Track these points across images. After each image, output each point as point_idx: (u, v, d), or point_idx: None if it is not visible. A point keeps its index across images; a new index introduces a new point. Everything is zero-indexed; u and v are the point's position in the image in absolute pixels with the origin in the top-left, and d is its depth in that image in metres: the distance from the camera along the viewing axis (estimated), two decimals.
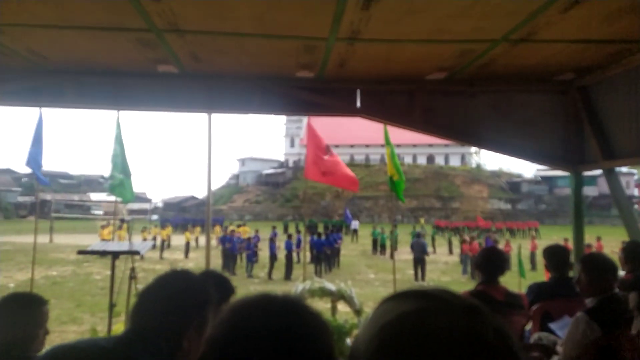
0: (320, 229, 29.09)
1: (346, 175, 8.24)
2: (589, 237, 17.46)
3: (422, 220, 46.62)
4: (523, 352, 0.62)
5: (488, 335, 0.58)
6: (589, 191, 52.80)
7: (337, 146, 68.23)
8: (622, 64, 4.61)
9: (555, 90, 5.45)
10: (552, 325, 3.20)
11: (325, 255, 18.66)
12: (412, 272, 17.12)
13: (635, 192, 61.10)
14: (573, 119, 5.42)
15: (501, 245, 18.81)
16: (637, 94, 4.62)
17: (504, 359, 0.58)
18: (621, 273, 3.92)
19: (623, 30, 3.81)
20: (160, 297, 1.49)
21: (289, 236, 18.50)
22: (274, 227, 22.54)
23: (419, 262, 17.03)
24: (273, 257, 17.35)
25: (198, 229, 27.71)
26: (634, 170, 62.13)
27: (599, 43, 4.15)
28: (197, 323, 1.48)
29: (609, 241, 21.48)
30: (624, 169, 58.42)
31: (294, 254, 18.09)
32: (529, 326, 3.55)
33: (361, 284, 14.96)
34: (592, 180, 52.07)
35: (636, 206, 54.20)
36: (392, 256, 8.91)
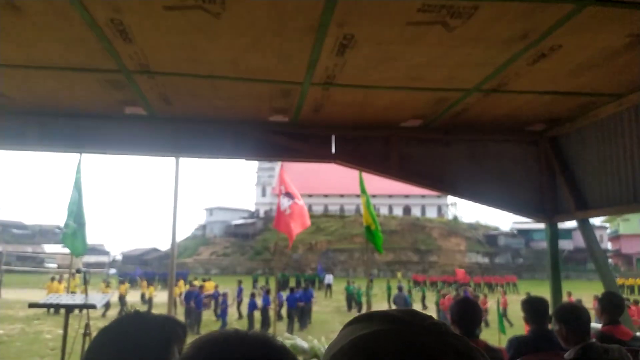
0: (292, 283, 28.25)
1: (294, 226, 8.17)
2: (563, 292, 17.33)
3: (400, 274, 46.12)
4: None
5: (448, 356, 0.55)
6: (564, 245, 53.49)
7: (310, 195, 67.82)
8: (589, 115, 4.74)
9: (527, 140, 5.55)
10: None
11: (299, 311, 18.11)
12: None
13: (609, 245, 62.22)
14: (546, 169, 5.49)
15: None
16: (604, 145, 4.72)
17: None
18: (597, 325, 3.84)
19: (588, 83, 3.95)
20: (112, 346, 1.33)
21: (267, 291, 17.91)
22: (255, 281, 21.64)
23: None
24: (252, 314, 16.78)
25: (150, 285, 25.88)
26: (607, 225, 63.59)
27: (566, 95, 4.28)
28: None
29: (587, 296, 21.42)
30: (597, 223, 59.80)
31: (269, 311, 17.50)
32: None
33: None
34: (568, 233, 52.94)
35: (610, 260, 55.01)
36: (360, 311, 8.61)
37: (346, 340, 0.60)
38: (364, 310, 19.55)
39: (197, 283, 20.72)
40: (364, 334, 0.59)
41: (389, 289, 25.42)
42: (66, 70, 3.69)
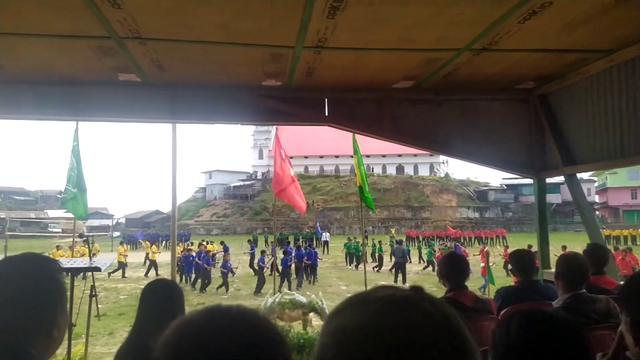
0: (291, 241, 29.26)
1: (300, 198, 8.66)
2: (556, 245, 17.96)
3: (393, 231, 47.00)
4: (465, 328, 0.67)
5: (425, 304, 0.66)
6: (552, 198, 54.43)
7: (306, 157, 68.52)
8: (579, 72, 4.78)
9: (517, 98, 5.60)
10: None
11: (308, 268, 18.74)
12: (384, 282, 17.22)
13: (596, 198, 63.36)
14: (535, 126, 5.57)
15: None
16: (593, 101, 4.79)
17: (435, 323, 0.64)
18: None
19: (579, 40, 3.96)
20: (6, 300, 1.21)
21: (285, 252, 18.82)
22: (288, 242, 22.63)
23: (400, 267, 18.30)
24: (286, 271, 17.23)
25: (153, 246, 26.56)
26: (595, 178, 64.54)
27: (556, 52, 4.30)
28: (60, 306, 1.28)
29: (574, 247, 22.03)
30: (585, 177, 60.67)
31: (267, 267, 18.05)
32: None
33: (333, 296, 14.84)
34: (556, 187, 53.74)
35: (597, 212, 56.15)
36: (358, 266, 8.96)
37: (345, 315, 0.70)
38: (361, 265, 20.44)
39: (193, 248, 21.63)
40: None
41: (373, 245, 26.74)
42: (55, 37, 3.65)
